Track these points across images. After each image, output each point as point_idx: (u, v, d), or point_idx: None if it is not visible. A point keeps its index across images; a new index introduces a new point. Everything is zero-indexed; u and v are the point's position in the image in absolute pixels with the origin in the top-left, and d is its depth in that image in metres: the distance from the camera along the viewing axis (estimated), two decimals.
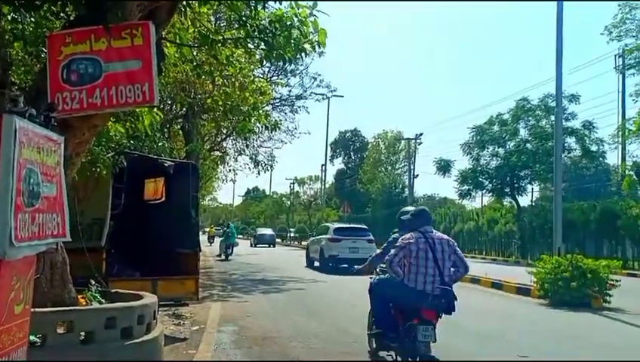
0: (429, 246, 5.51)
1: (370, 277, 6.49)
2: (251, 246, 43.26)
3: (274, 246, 44.14)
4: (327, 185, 60.83)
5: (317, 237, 22.60)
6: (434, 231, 5.75)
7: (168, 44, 6.18)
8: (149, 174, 10.34)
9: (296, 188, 68.05)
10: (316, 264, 21.36)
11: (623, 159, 26.12)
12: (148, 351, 5.19)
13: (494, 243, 34.63)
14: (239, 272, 19.16)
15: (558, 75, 15.38)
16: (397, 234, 6.17)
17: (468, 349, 7.32)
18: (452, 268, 5.64)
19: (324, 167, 51.82)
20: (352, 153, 69.74)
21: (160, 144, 11.28)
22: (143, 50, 4.43)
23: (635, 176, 22.56)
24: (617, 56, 28.69)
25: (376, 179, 56.64)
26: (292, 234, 55.00)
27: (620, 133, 24.41)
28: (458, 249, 5.75)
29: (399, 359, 5.79)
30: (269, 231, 47.07)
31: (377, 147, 63.07)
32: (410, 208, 6.75)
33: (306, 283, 15.62)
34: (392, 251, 5.72)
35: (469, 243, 37.30)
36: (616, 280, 11.68)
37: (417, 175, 44.76)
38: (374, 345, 6.29)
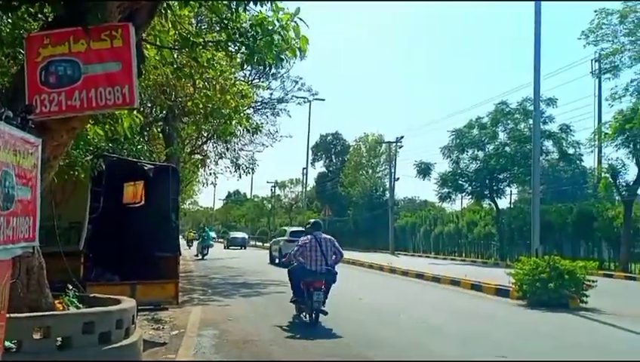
0: (318, 243, 9.14)
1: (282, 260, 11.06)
2: (225, 248, 46.07)
3: (245, 248, 47.01)
4: (308, 189, 60.85)
5: (277, 239, 26.73)
6: (322, 234, 9.35)
7: (148, 46, 6.13)
8: (128, 177, 10.25)
9: (278, 191, 68.02)
10: (277, 261, 24.64)
11: (600, 162, 26.55)
12: (127, 356, 5.14)
13: (474, 245, 34.94)
14: (220, 276, 19.03)
15: (535, 79, 15.60)
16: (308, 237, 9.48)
17: (448, 350, 7.37)
18: (334, 256, 9.27)
19: (305, 170, 51.94)
20: (333, 156, 69.78)
21: (139, 147, 11.20)
22: (122, 51, 4.39)
23: (611, 179, 22.96)
24: (594, 61, 29.17)
25: (358, 182, 56.83)
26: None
27: (597, 136, 24.80)
28: (336, 243, 9.40)
29: (307, 316, 9.06)
30: (240, 235, 51.71)
31: (358, 150, 63.27)
32: (312, 220, 10.13)
33: (287, 286, 15.52)
34: (295, 248, 9.48)
35: (448, 245, 37.58)
36: (593, 281, 11.87)
37: (398, 178, 45.00)
38: (297, 311, 9.58)
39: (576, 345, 7.99)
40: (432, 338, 8.24)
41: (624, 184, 22.85)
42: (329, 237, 9.41)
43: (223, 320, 9.44)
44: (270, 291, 14.46)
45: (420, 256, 38.05)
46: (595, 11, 23.10)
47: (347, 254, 33.04)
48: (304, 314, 9.25)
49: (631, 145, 22.04)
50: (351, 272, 22.48)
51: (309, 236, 9.29)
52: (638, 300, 13.58)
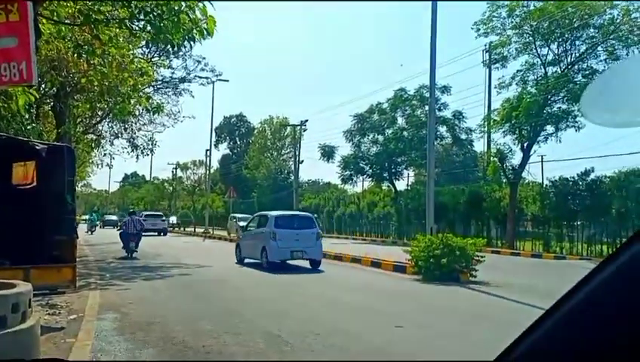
0: (133, 221, 19.48)
1: (119, 230, 21.50)
2: (100, 228, 49.40)
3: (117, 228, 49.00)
4: (212, 171, 59.88)
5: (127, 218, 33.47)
6: (136, 216, 20.76)
7: (45, 21, 5.81)
8: (18, 157, 9.65)
9: (180, 173, 66.30)
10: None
11: (489, 147, 28.28)
12: (24, 341, 4.96)
13: (374, 225, 36.29)
14: (117, 260, 18.42)
15: (432, 67, 16.43)
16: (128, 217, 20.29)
17: (346, 322, 7.75)
18: (140, 226, 19.79)
19: (208, 152, 50.97)
20: (237, 138, 69.17)
21: (29, 127, 10.57)
22: (19, 27, 4.17)
23: (498, 163, 24.72)
24: (484, 52, 30.89)
25: (262, 165, 56.85)
26: (174, 221, 53.51)
27: (486, 123, 26.46)
28: (142, 220, 22.23)
29: (129, 254, 19.02)
30: (114, 217, 58.07)
31: (263, 133, 63.17)
32: (131, 210, 24.18)
33: (191, 268, 15.45)
34: (123, 223, 20.89)
35: (350, 225, 38.73)
36: (482, 257, 12.88)
37: (303, 160, 45.44)
38: (126, 253, 18.90)
39: (463, 313, 8.71)
40: (332, 312, 8.61)
41: (510, 167, 24.71)
42: (139, 218, 20.76)
43: (123, 303, 9.25)
44: (173, 274, 14.28)
45: (323, 236, 38.85)
46: (488, 4, 24.46)
47: None
48: (127, 254, 18.58)
49: (516, 132, 23.85)
50: None
51: (129, 217, 19.71)
52: (520, 273, 14.85)
